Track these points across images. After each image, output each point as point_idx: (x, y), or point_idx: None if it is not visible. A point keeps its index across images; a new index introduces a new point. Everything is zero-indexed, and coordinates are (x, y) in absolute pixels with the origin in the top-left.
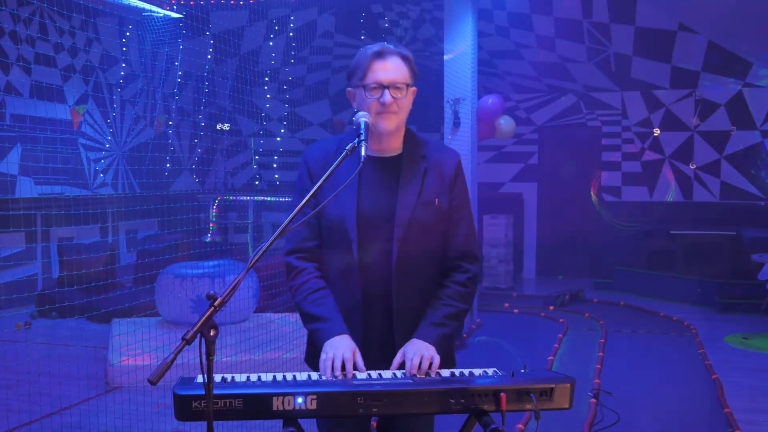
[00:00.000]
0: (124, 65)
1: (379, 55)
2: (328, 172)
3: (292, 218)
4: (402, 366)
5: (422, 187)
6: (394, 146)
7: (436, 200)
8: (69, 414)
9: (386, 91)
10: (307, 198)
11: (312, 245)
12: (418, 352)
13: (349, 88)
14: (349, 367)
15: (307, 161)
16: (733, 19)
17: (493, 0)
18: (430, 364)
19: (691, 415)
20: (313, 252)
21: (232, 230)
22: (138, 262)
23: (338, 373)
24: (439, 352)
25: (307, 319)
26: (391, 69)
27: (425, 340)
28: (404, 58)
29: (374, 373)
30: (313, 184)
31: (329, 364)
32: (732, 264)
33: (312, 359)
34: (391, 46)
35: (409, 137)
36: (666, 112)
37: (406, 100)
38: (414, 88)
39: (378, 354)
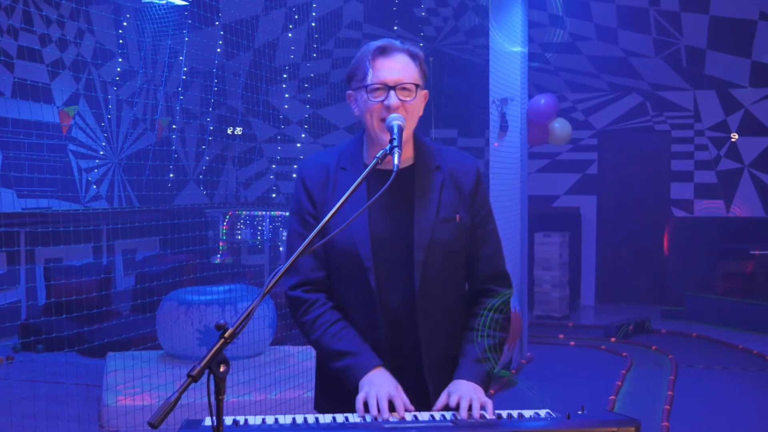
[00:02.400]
0: (120, 60)
1: (383, 51)
2: (351, 189)
3: (306, 245)
4: (446, 408)
5: (440, 202)
6: (404, 156)
7: (457, 216)
8: None
9: (392, 93)
10: (325, 221)
11: (321, 276)
12: (468, 395)
13: (349, 91)
14: (399, 404)
15: (304, 180)
16: None
17: None
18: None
19: None
20: (321, 283)
21: (245, 250)
22: (137, 287)
23: (386, 414)
24: (485, 391)
25: (331, 356)
26: (397, 67)
27: (471, 380)
28: (413, 56)
29: (408, 416)
30: (314, 207)
31: (374, 402)
32: None
33: (325, 405)
34: (397, 42)
35: (419, 145)
36: (745, 114)
37: (415, 104)
38: (425, 92)
39: (409, 394)
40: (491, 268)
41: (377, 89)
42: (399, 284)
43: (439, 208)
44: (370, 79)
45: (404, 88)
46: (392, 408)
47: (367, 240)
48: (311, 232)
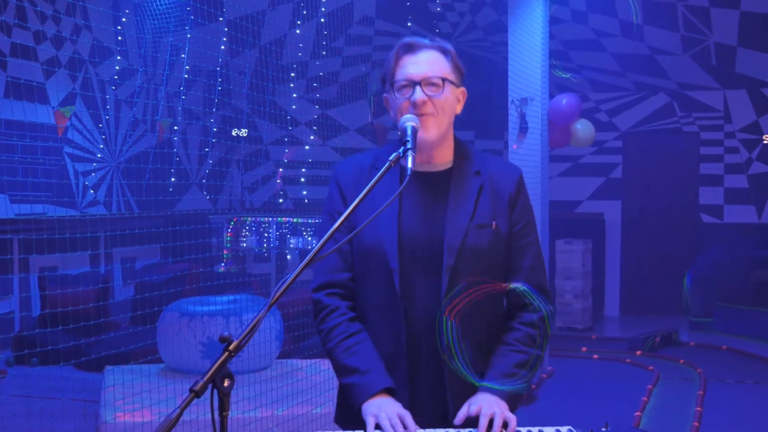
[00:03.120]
0: (119, 58)
1: (410, 48)
2: (366, 189)
3: (323, 245)
4: (467, 421)
5: (476, 207)
6: (441, 158)
7: (493, 223)
8: None
9: (417, 88)
10: (340, 222)
11: (345, 278)
12: (489, 409)
13: (384, 95)
14: (410, 421)
15: (338, 179)
16: None
17: None
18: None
19: None
20: (346, 286)
21: (250, 258)
22: (136, 298)
23: (400, 430)
24: (511, 408)
25: (340, 370)
26: (423, 62)
27: (497, 394)
28: (444, 51)
29: None
30: (346, 205)
31: (387, 423)
32: None
33: (344, 419)
34: (425, 40)
35: (460, 148)
36: None
37: (445, 99)
38: (461, 89)
39: (428, 406)
40: (529, 282)
41: (404, 86)
42: (425, 289)
43: (475, 213)
44: (397, 77)
45: (432, 83)
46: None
47: (394, 239)
48: (340, 231)
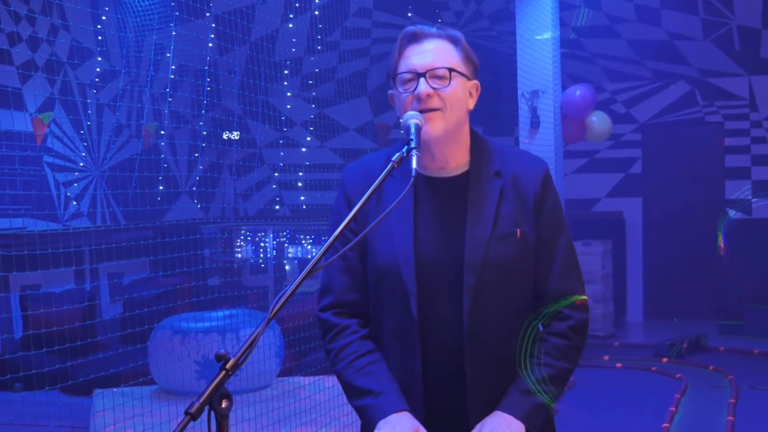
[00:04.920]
0: (100, 59)
1: (414, 37)
2: (365, 196)
3: (320, 257)
4: None
5: (497, 215)
6: (456, 161)
7: (518, 231)
8: None
9: (421, 80)
10: (337, 232)
11: (355, 298)
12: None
13: (390, 91)
14: None
15: (345, 186)
16: None
17: None
18: None
19: None
20: (356, 306)
21: (246, 270)
22: (125, 315)
23: None
24: (531, 429)
25: (352, 392)
26: (429, 51)
27: (513, 414)
28: (453, 41)
29: None
30: (355, 219)
31: None
32: None
33: None
34: (432, 28)
35: (477, 147)
36: None
37: (453, 92)
38: (473, 82)
39: None
40: (561, 290)
41: (408, 79)
42: (445, 312)
43: (497, 222)
44: (400, 69)
45: (437, 75)
46: None
47: (410, 260)
48: (346, 244)
